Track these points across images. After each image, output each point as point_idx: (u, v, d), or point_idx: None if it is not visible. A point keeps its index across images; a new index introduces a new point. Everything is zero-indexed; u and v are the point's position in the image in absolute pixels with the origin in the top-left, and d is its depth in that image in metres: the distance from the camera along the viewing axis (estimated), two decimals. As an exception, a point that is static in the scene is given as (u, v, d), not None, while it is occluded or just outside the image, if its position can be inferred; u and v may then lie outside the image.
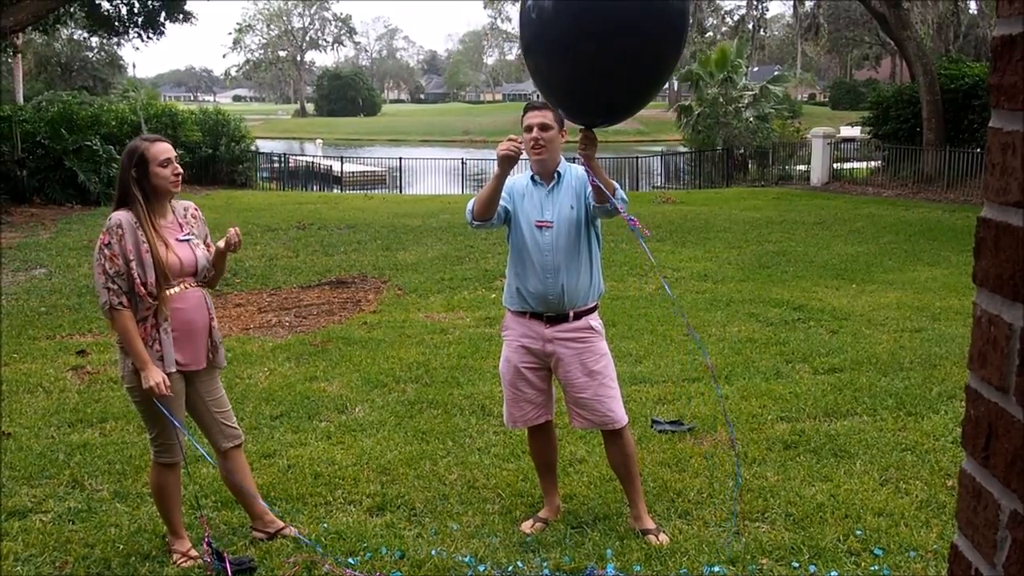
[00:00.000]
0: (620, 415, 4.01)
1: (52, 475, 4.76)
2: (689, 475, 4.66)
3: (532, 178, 4.05)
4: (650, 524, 4.06)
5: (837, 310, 8.40)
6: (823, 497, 4.33)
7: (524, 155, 3.86)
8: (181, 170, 3.84)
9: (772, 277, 10.22)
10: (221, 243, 3.86)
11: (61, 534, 4.09)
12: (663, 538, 3.98)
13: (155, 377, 3.61)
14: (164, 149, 3.77)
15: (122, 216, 3.69)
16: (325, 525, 4.14)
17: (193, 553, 3.90)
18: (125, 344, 3.67)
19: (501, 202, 3.93)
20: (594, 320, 4.03)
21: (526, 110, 3.99)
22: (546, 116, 3.91)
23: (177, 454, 3.86)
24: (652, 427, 5.36)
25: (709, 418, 5.45)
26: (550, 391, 4.16)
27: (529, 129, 3.92)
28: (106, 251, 3.64)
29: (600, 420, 4.01)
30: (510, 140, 3.70)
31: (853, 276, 10.21)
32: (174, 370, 3.71)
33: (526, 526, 4.13)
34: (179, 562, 3.86)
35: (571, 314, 3.95)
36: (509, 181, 3.95)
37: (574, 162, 3.92)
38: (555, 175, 4.01)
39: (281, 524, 4.10)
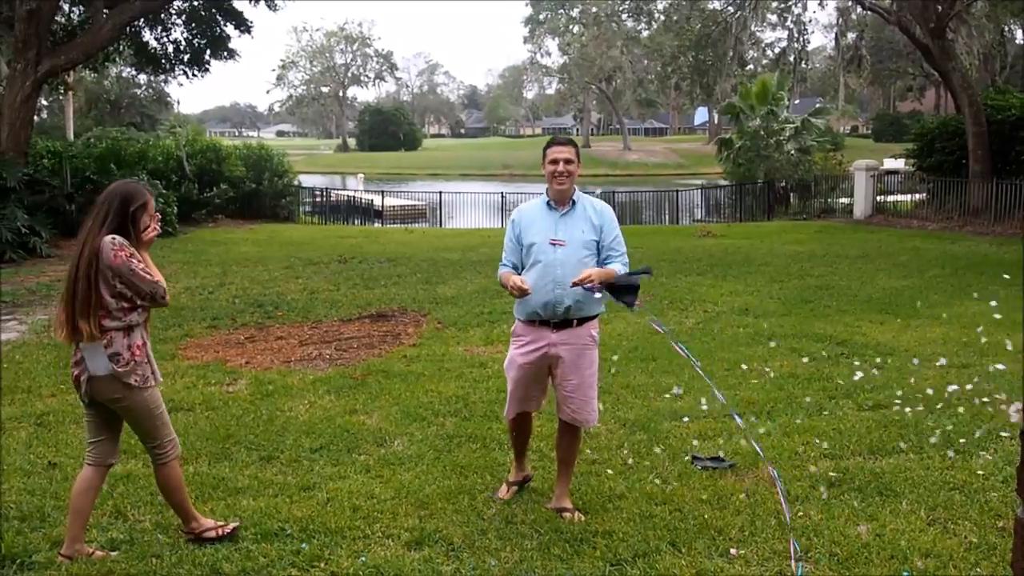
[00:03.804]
0: (596, 417, 4.70)
1: (95, 505, 4.80)
2: (730, 513, 4.59)
3: (548, 203, 4.55)
4: (568, 504, 4.61)
5: (881, 345, 8.27)
6: (868, 536, 4.25)
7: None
8: (159, 230, 4.19)
9: (815, 311, 10.10)
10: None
11: (104, 564, 4.12)
12: (578, 516, 4.51)
13: None
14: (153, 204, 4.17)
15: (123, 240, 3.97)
16: (363, 559, 4.13)
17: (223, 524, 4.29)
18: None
19: (512, 257, 4.56)
20: (595, 330, 4.57)
21: (551, 144, 4.57)
22: (571, 152, 4.51)
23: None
24: (693, 463, 5.31)
25: (750, 454, 5.37)
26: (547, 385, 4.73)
27: (555, 162, 4.46)
28: (134, 261, 3.93)
29: (583, 419, 4.59)
30: (521, 283, 4.31)
31: (898, 311, 10.05)
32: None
33: (502, 492, 4.82)
34: (222, 531, 4.25)
35: (575, 321, 4.47)
36: (518, 213, 4.62)
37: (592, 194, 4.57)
38: (570, 202, 4.52)
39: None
